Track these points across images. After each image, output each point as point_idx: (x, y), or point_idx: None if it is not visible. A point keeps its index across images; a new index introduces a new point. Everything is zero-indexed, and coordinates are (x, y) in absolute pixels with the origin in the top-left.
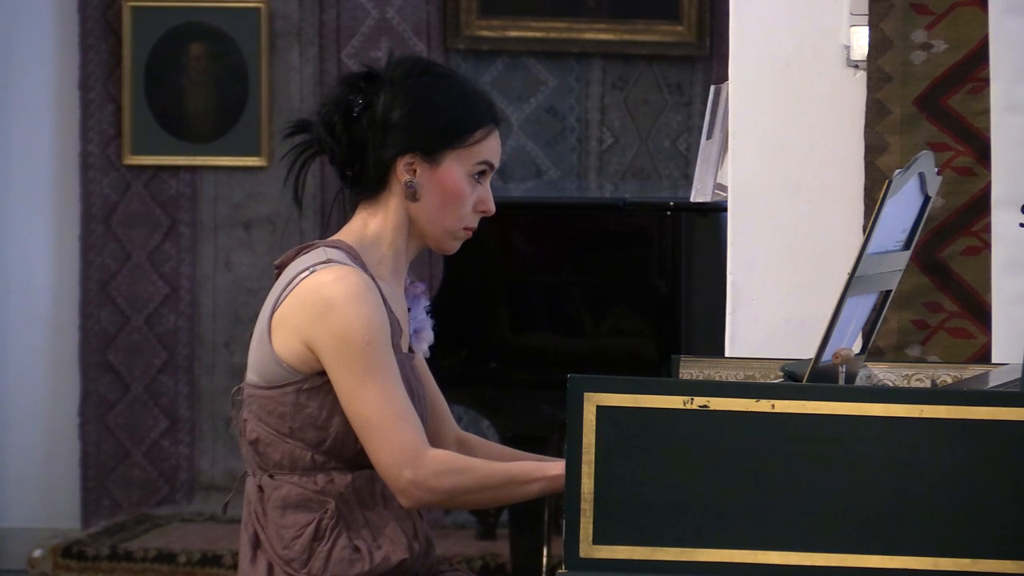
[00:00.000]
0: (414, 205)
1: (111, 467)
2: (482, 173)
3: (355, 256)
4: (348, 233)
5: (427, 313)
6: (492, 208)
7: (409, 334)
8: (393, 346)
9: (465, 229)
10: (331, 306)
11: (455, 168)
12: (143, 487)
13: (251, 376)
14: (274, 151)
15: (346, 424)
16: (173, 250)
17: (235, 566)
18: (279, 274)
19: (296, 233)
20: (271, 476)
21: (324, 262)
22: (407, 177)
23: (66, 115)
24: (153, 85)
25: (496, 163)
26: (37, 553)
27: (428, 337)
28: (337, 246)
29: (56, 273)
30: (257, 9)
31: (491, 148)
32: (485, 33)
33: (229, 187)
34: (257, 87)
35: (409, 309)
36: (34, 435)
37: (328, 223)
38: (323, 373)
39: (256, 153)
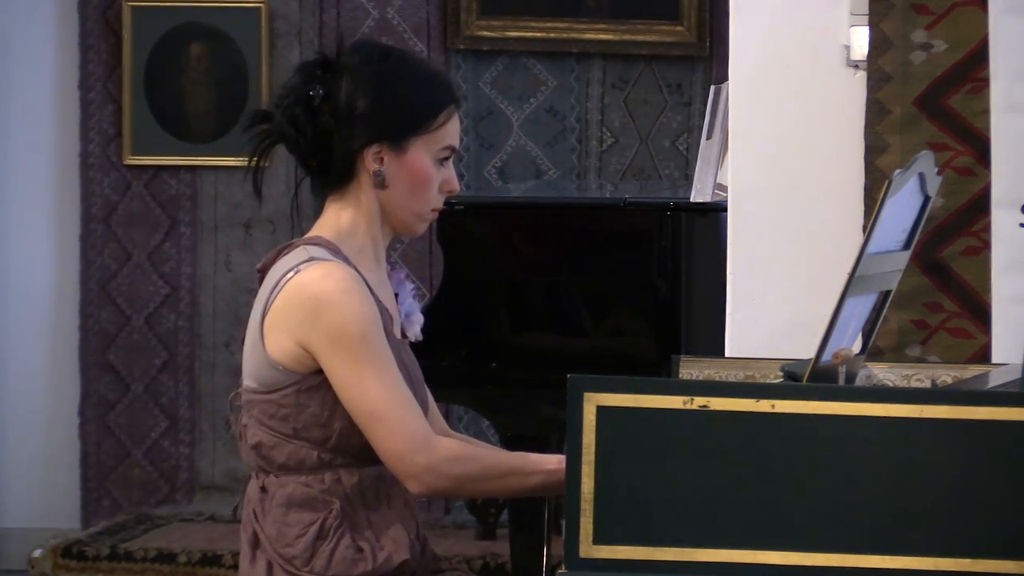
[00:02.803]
0: (383, 193)
1: (111, 467)
2: (446, 156)
3: (336, 250)
4: (323, 228)
5: (413, 297)
6: (457, 187)
7: (400, 320)
8: (387, 333)
9: (432, 211)
10: (321, 303)
11: (421, 154)
12: (143, 487)
13: (248, 382)
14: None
15: (349, 419)
16: (173, 250)
17: (235, 566)
18: (262, 278)
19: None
20: (276, 476)
21: (307, 260)
22: (375, 166)
23: (66, 115)
24: (153, 85)
25: (458, 144)
26: (37, 553)
27: (419, 319)
28: (317, 242)
29: (56, 273)
30: (257, 9)
31: (453, 130)
32: (485, 33)
33: (229, 187)
34: (257, 87)
35: (396, 295)
36: (34, 435)
37: (294, 224)
38: (320, 372)
39: None
